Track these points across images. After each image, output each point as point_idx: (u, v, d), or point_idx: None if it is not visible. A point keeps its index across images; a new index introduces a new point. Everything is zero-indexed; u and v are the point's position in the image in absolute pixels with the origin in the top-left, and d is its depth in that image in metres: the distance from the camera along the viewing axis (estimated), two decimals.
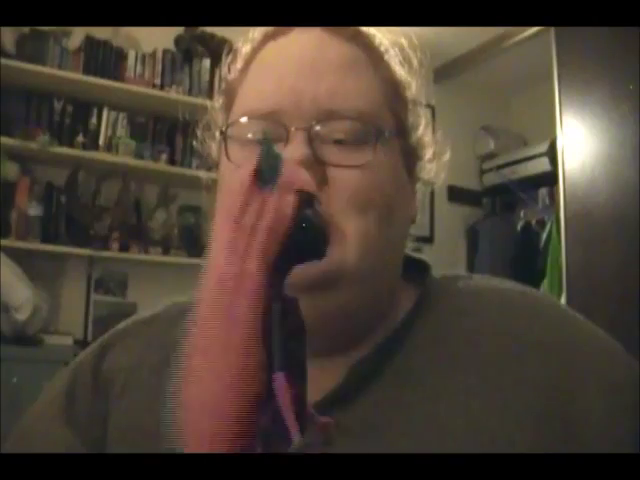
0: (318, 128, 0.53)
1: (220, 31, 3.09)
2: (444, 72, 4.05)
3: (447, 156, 0.66)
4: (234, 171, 0.54)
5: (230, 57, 0.64)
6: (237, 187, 0.37)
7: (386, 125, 0.57)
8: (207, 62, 3.16)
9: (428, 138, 0.65)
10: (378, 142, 0.54)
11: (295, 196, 0.37)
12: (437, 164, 0.65)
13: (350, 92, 0.54)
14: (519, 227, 3.78)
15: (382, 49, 0.61)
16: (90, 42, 2.92)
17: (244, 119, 0.56)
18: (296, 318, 0.35)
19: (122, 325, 0.68)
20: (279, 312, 0.34)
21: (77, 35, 2.87)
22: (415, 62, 0.64)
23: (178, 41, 3.16)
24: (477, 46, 3.72)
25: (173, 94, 3.00)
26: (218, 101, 0.64)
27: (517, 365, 0.54)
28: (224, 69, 0.64)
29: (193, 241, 3.02)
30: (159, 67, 3.06)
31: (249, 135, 0.55)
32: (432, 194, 4.07)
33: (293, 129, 0.53)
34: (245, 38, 0.63)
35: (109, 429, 0.59)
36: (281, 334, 0.33)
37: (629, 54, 2.00)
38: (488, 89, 4.20)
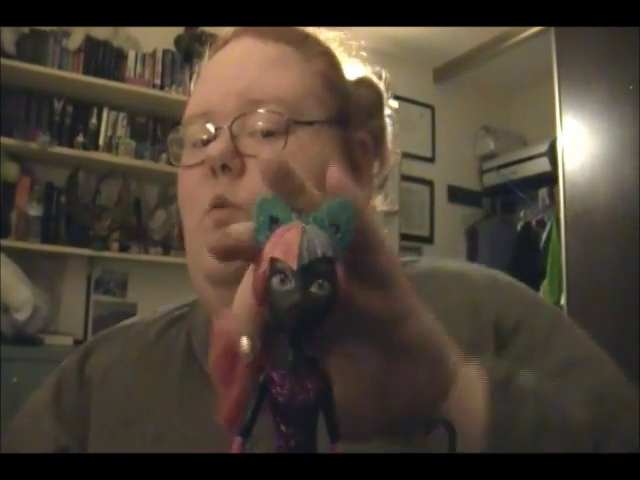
0: (239, 122, 0.57)
1: (220, 31, 3.09)
2: (444, 72, 4.06)
3: (391, 144, 0.69)
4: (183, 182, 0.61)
5: (195, 75, 0.69)
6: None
7: (310, 113, 0.59)
8: None
9: (382, 132, 0.67)
10: (289, 131, 0.57)
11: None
12: (386, 159, 0.68)
13: (269, 83, 0.58)
14: (519, 227, 3.79)
15: (319, 46, 0.64)
16: (90, 42, 2.92)
17: (182, 126, 0.62)
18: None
19: (106, 330, 0.74)
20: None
21: (77, 35, 2.87)
22: (362, 57, 0.67)
23: (178, 41, 3.16)
24: (477, 46, 3.72)
25: (173, 94, 3.00)
26: None
27: (452, 332, 0.58)
28: (191, 84, 0.70)
29: None
30: (159, 67, 3.07)
31: (187, 135, 0.61)
32: (432, 194, 4.07)
33: (218, 128, 0.58)
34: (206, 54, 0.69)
35: (91, 420, 0.65)
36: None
37: (629, 54, 2.00)
38: (488, 89, 4.20)
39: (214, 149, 0.56)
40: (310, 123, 0.59)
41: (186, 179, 0.61)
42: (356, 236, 0.35)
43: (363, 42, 0.67)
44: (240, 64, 0.60)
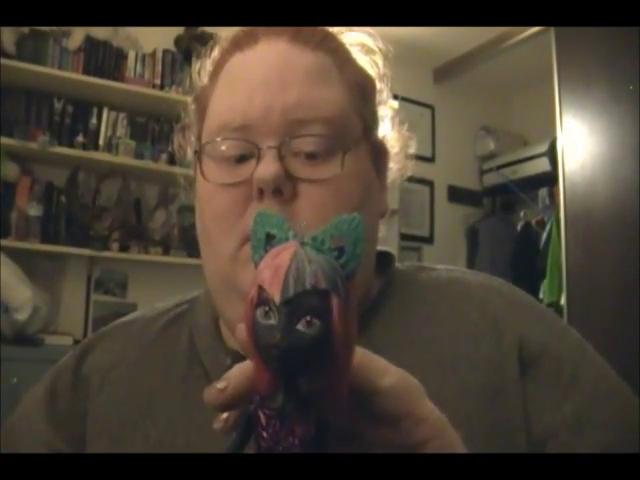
0: (288, 144, 0.55)
1: (220, 31, 3.09)
2: (444, 72, 4.06)
3: (412, 149, 0.68)
4: (213, 192, 0.57)
5: (199, 63, 0.65)
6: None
7: (354, 129, 0.58)
8: None
9: (395, 132, 0.66)
10: (346, 154, 0.55)
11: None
12: (404, 156, 0.67)
13: (317, 101, 0.56)
14: (519, 227, 3.79)
15: (347, 50, 0.62)
16: (90, 42, 2.92)
17: (218, 139, 0.57)
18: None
19: (103, 328, 0.71)
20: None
21: (77, 35, 2.86)
22: (378, 57, 0.65)
23: (178, 41, 3.16)
24: (477, 46, 3.72)
25: (173, 94, 2.99)
26: (191, 106, 0.65)
27: (471, 346, 0.57)
28: (194, 75, 0.65)
29: (193, 241, 3.01)
30: (159, 67, 3.06)
31: (222, 149, 0.57)
32: (432, 194, 4.07)
33: (265, 147, 0.54)
34: (213, 43, 0.65)
35: (88, 425, 0.62)
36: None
37: (629, 54, 2.00)
38: (488, 89, 4.20)
39: (266, 172, 0.53)
40: (356, 143, 0.57)
41: (220, 198, 0.57)
42: (355, 378, 0.33)
43: (371, 30, 0.65)
44: (282, 75, 0.56)
